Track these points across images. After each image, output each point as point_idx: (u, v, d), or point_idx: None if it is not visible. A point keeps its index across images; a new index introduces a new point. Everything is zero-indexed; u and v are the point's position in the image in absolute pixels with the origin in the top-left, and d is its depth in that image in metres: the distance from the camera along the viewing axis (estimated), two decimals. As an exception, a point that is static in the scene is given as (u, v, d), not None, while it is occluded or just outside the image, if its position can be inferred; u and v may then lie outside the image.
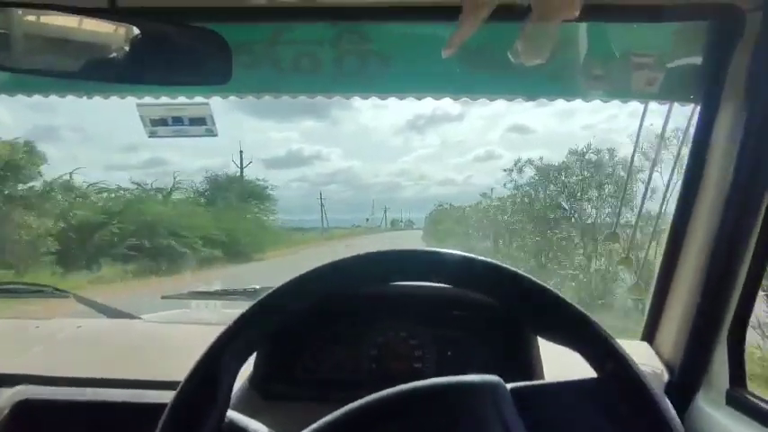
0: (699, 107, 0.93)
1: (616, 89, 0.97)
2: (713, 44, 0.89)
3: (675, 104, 1.00)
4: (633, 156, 1.00)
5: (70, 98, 1.07)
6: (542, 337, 0.56)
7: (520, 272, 0.54)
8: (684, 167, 0.96)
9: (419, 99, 1.06)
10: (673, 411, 0.48)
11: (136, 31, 0.78)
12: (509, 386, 0.52)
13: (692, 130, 0.96)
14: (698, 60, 0.91)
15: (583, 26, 0.93)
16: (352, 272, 0.54)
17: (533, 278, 0.53)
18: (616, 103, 1.04)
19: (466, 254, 0.54)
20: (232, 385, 0.52)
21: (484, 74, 0.98)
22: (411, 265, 0.55)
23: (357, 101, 1.11)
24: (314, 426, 0.50)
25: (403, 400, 0.50)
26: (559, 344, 0.54)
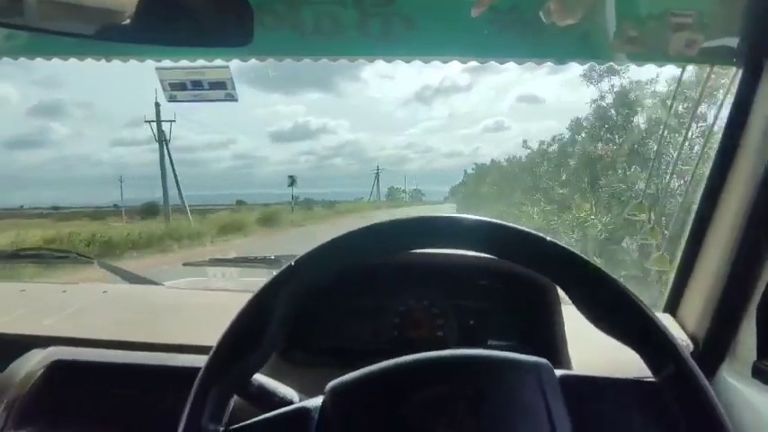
0: (740, 71, 0.88)
1: (651, 52, 0.92)
2: (758, 1, 0.84)
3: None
4: (666, 123, 0.96)
5: (78, 71, 1.04)
6: (596, 326, 0.52)
7: (586, 258, 0.50)
8: (721, 134, 0.92)
9: (445, 62, 1.03)
10: (730, 426, 0.45)
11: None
12: (558, 373, 0.51)
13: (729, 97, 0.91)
14: (741, 20, 0.86)
15: (619, -17, 0.88)
16: (400, 233, 0.52)
17: (599, 266, 0.50)
18: (627, 69, 0.98)
19: (529, 230, 0.51)
20: (278, 334, 0.51)
21: (513, 36, 0.94)
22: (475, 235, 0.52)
23: (364, 71, 1.09)
24: (364, 370, 0.51)
25: (448, 366, 0.51)
26: (614, 338, 0.50)
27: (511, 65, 1.04)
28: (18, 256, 1.39)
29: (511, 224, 0.52)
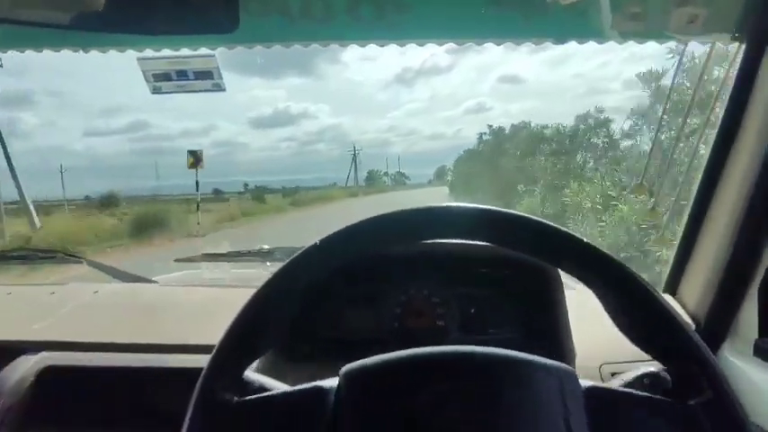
0: (743, 47, 0.86)
1: (653, 29, 0.90)
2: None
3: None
4: (666, 102, 0.95)
5: (45, 60, 0.99)
6: (622, 332, 0.51)
7: (618, 259, 0.48)
8: (723, 112, 0.90)
9: (440, 45, 0.99)
10: None
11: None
12: (584, 384, 0.49)
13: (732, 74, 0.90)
14: (746, -6, 0.84)
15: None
16: (401, 226, 0.51)
17: (631, 269, 0.48)
18: (608, 48, 0.97)
19: (565, 229, 0.49)
20: (278, 333, 0.52)
21: (511, 15, 0.91)
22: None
23: (344, 54, 1.05)
24: (380, 357, 0.50)
25: (466, 362, 0.50)
26: (641, 349, 0.49)
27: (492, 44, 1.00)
28: (3, 258, 1.35)
29: (542, 220, 0.50)
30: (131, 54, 1.00)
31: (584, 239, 0.49)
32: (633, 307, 0.49)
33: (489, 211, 0.50)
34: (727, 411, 0.45)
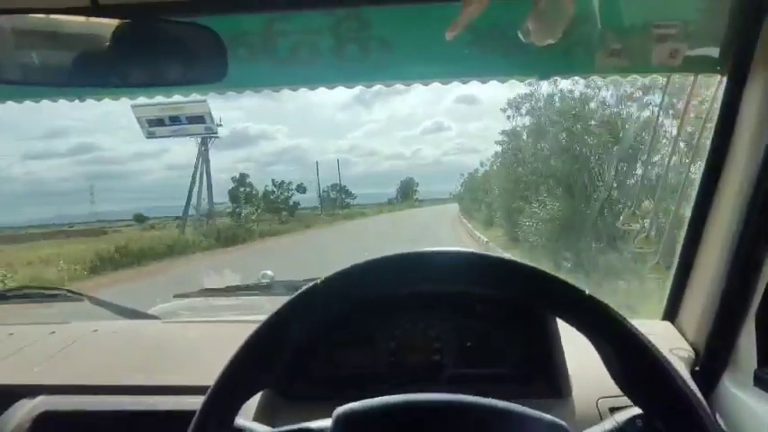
0: (725, 78, 0.87)
1: (635, 63, 0.91)
2: (742, 9, 0.83)
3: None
4: (654, 132, 0.95)
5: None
6: (621, 388, 0.50)
7: (617, 313, 0.47)
8: (710, 142, 0.91)
9: (426, 84, 1.01)
10: None
11: (122, 30, 0.74)
12: None
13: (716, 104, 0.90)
14: (725, 28, 0.85)
15: (599, -4, 0.87)
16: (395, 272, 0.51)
17: (630, 323, 0.46)
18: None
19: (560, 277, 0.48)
20: (274, 376, 0.52)
21: (494, 55, 0.92)
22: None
23: None
24: (373, 401, 0.51)
25: (459, 412, 0.50)
26: (641, 407, 0.49)
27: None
28: (5, 297, 1.37)
29: (535, 266, 0.49)
30: (125, 101, 1.04)
31: (582, 289, 0.47)
32: (631, 365, 0.48)
33: (482, 257, 0.50)
34: None
